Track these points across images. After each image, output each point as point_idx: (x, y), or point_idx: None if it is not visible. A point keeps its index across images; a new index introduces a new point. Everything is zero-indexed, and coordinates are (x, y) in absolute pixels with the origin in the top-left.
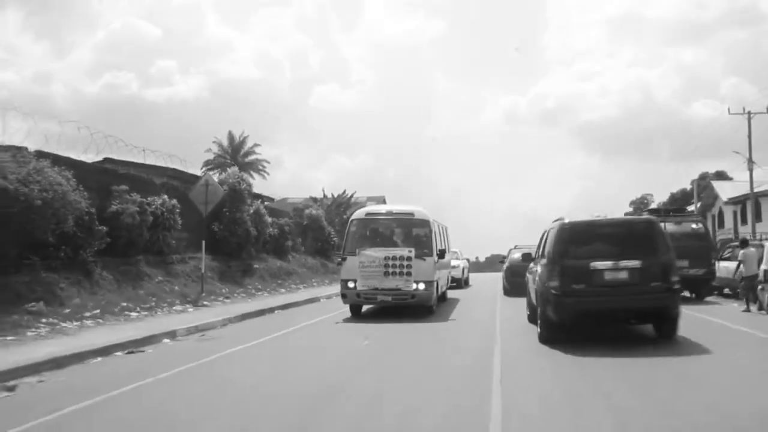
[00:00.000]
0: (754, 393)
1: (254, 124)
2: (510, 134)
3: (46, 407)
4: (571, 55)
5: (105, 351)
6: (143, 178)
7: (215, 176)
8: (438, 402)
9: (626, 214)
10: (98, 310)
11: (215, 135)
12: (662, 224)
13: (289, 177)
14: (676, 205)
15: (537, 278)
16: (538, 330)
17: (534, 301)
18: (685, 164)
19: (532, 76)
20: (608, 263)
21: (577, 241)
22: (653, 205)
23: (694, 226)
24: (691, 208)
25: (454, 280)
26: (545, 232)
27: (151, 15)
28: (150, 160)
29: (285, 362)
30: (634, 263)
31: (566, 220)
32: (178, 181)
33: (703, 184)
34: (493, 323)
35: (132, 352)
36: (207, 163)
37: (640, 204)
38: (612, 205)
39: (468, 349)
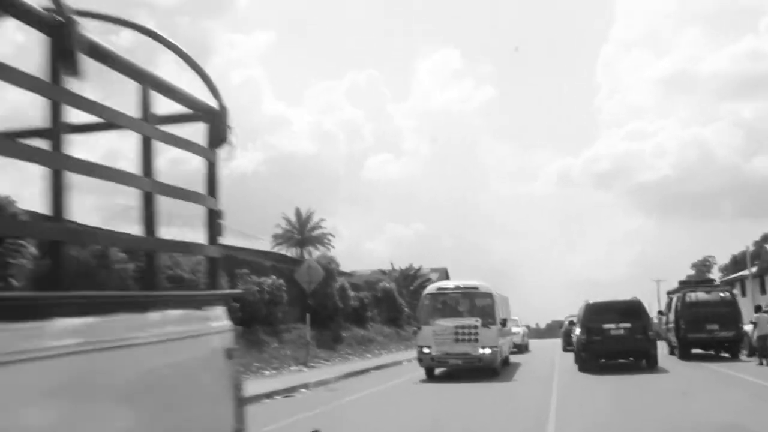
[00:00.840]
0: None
1: (310, 195)
2: (564, 197)
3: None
4: (623, 116)
5: (269, 395)
6: (257, 262)
7: (286, 251)
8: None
9: (688, 276)
10: (243, 368)
11: (283, 211)
12: (694, 293)
13: (346, 246)
14: (738, 267)
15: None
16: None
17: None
18: (750, 221)
19: (584, 138)
20: (612, 325)
21: (595, 312)
22: (713, 268)
23: (722, 294)
24: (746, 272)
25: (515, 345)
26: (580, 308)
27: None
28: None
29: (390, 407)
30: (627, 325)
31: (590, 302)
32: (282, 263)
33: (756, 251)
34: (551, 380)
35: (287, 396)
36: (276, 237)
37: (701, 266)
38: (673, 267)
39: (527, 400)
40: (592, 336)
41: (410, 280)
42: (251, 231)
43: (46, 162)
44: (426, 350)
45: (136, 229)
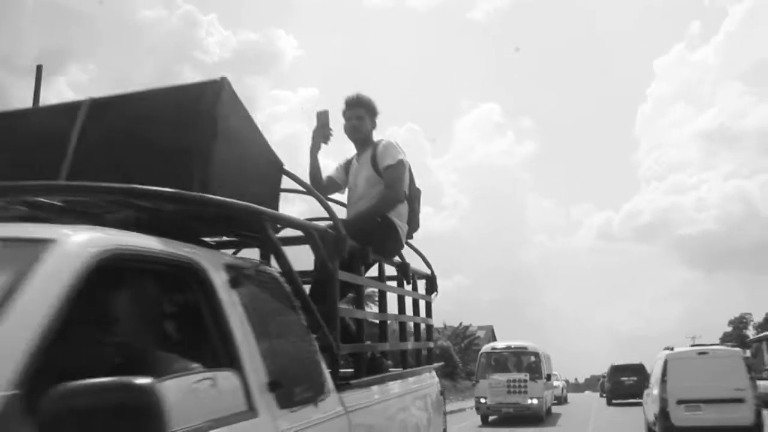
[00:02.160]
0: None
1: None
2: (605, 251)
3: None
4: (663, 170)
5: None
6: None
7: None
8: None
9: (725, 333)
10: None
11: None
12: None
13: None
14: None
15: None
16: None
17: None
18: None
19: (624, 192)
20: (626, 378)
21: (617, 370)
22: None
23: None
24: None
25: (555, 397)
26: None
27: None
28: None
29: None
30: (634, 378)
31: (614, 364)
32: None
33: None
34: (587, 423)
35: None
36: None
37: (738, 323)
38: (713, 323)
39: None
40: (613, 384)
41: (461, 338)
42: None
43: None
44: (482, 400)
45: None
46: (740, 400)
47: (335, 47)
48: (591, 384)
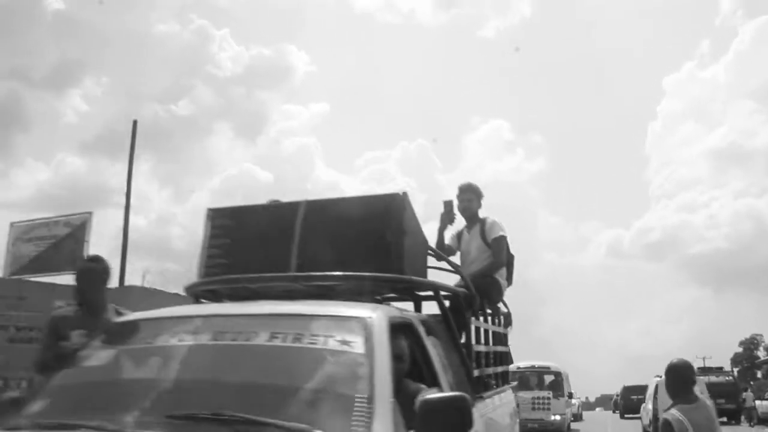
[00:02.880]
0: None
1: None
2: (615, 269)
3: None
4: (674, 188)
5: None
6: None
7: None
8: None
9: (736, 354)
10: None
11: None
12: (705, 377)
13: None
14: None
15: None
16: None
17: None
18: None
19: (635, 209)
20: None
21: (628, 390)
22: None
23: (727, 378)
24: None
25: (572, 414)
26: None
27: (264, 161)
28: None
29: None
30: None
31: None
32: None
33: None
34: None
35: None
36: None
37: (749, 344)
38: (724, 342)
39: None
40: (625, 401)
41: None
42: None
43: None
44: None
45: None
46: None
47: (346, 63)
48: (602, 402)
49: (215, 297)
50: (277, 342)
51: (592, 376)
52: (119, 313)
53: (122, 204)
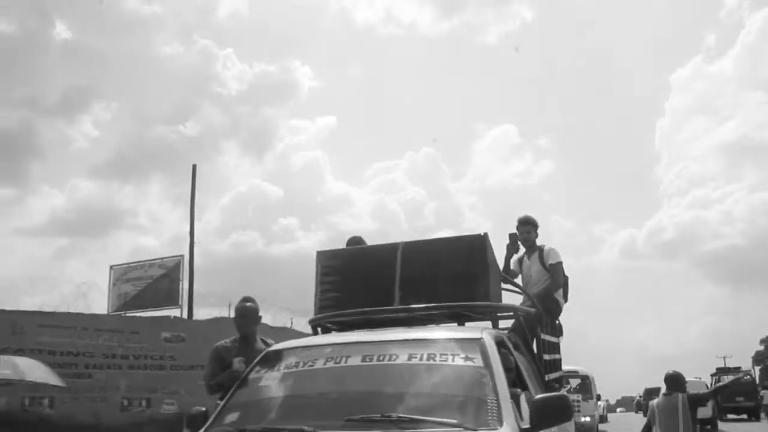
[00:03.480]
0: None
1: None
2: (629, 270)
3: None
4: (686, 185)
5: None
6: None
7: None
8: None
9: (757, 352)
10: None
11: None
12: (725, 376)
13: None
14: None
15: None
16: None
17: None
18: None
19: (647, 208)
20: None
21: (649, 392)
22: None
23: (745, 378)
24: None
25: (599, 415)
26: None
27: (272, 177)
28: None
29: None
30: None
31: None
32: None
33: None
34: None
35: None
36: None
37: None
38: (745, 340)
39: None
40: (647, 402)
41: None
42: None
43: None
44: None
45: None
46: None
47: (350, 76)
48: (623, 404)
49: (331, 327)
50: (415, 361)
51: (612, 378)
52: (266, 343)
53: (134, 225)
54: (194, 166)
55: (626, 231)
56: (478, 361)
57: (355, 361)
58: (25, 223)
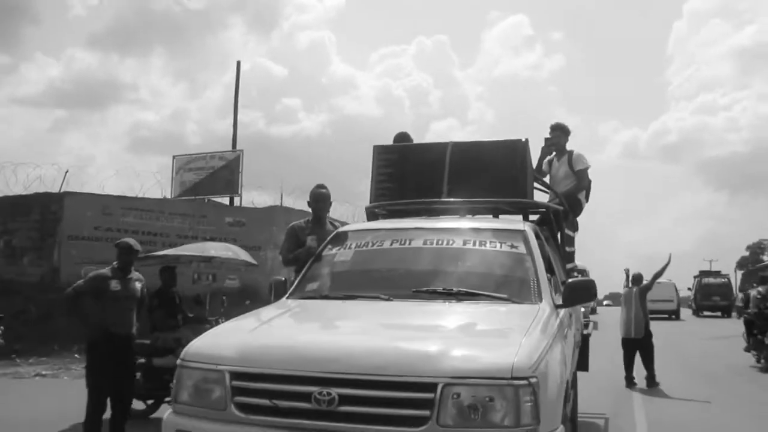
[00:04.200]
0: None
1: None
2: (630, 170)
3: None
4: (695, 89)
5: None
6: None
7: None
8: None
9: (742, 257)
10: None
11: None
12: (706, 278)
13: None
14: None
15: None
16: None
17: None
18: None
19: (653, 110)
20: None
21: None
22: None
23: (723, 280)
24: None
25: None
26: None
27: (278, 56)
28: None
29: None
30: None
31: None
32: None
33: None
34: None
35: None
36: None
37: (756, 248)
38: (732, 246)
39: None
40: None
41: None
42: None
43: None
44: None
45: None
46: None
47: None
48: (611, 298)
49: (384, 215)
50: (469, 246)
51: (602, 274)
52: (334, 225)
53: (135, 99)
54: (239, 63)
55: (630, 131)
56: (522, 249)
57: (417, 243)
58: (21, 92)
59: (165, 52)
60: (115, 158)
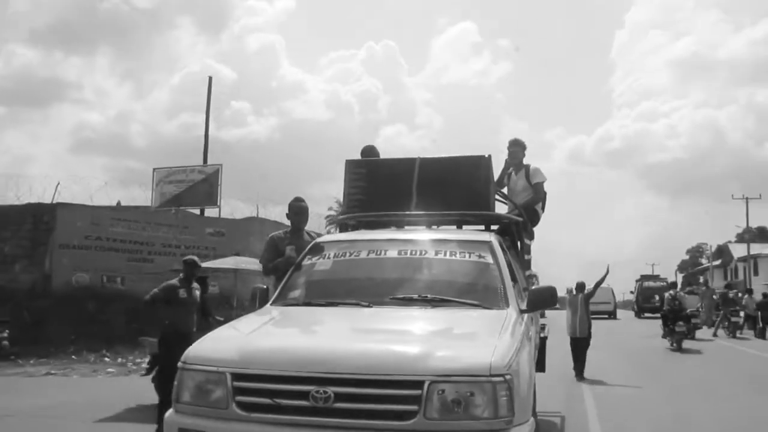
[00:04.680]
0: None
1: (322, 163)
2: (575, 175)
3: None
4: (637, 96)
5: None
6: None
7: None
8: None
9: (683, 261)
10: None
11: (335, 196)
12: (647, 282)
13: None
14: (722, 255)
15: None
16: None
17: None
18: (759, 205)
19: (597, 117)
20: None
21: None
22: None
23: (661, 283)
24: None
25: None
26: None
27: (227, 58)
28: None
29: None
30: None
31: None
32: None
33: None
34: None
35: None
36: (328, 217)
37: (695, 252)
38: (673, 249)
39: None
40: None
41: None
42: (264, 198)
43: None
44: None
45: None
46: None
47: None
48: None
49: (356, 225)
50: (441, 256)
51: (549, 278)
52: (311, 236)
53: (78, 99)
54: (210, 78)
55: (576, 138)
56: (489, 259)
57: (392, 253)
58: None
59: (111, 51)
60: (58, 159)
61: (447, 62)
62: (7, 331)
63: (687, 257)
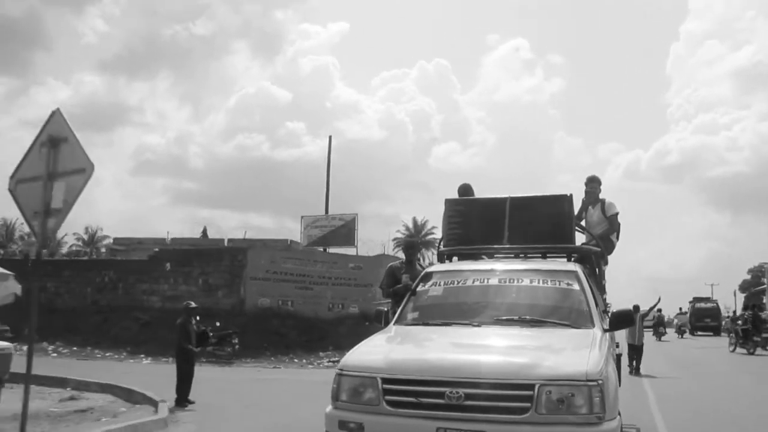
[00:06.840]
0: None
1: (376, 182)
2: (632, 191)
3: None
4: (694, 109)
5: None
6: None
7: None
8: None
9: (744, 281)
10: None
11: (403, 219)
12: (699, 303)
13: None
14: None
15: None
16: None
17: None
18: None
19: (654, 131)
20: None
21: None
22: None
23: (712, 305)
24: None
25: None
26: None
27: (281, 80)
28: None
29: None
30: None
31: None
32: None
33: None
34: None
35: None
36: (396, 239)
37: (757, 272)
38: (734, 269)
39: None
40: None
41: None
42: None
43: None
44: None
45: None
46: None
47: None
48: None
49: (449, 256)
50: (535, 284)
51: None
52: (422, 266)
53: (140, 122)
54: (330, 138)
55: (632, 152)
56: (576, 286)
57: (494, 281)
58: (30, 114)
59: (170, 76)
60: (119, 181)
61: (499, 79)
62: (236, 339)
63: (749, 277)
